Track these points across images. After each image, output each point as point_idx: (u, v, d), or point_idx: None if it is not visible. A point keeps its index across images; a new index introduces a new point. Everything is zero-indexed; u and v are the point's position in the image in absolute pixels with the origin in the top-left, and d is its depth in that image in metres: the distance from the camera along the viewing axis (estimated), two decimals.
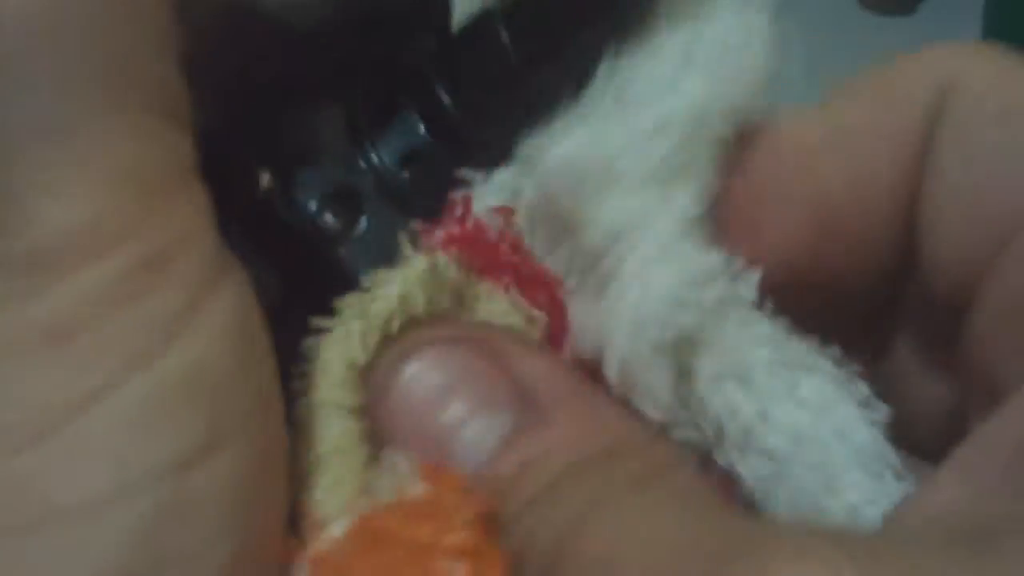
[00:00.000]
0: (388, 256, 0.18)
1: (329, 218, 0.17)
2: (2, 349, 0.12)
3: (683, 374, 0.16)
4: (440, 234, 0.17)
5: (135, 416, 0.12)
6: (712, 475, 0.16)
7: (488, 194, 0.17)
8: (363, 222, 0.18)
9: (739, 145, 0.15)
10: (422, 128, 0.18)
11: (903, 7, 0.63)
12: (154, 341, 0.12)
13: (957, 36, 0.52)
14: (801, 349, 0.16)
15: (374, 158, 0.18)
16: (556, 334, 0.17)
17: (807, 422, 0.16)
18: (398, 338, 0.15)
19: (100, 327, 0.12)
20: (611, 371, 0.15)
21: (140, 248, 0.12)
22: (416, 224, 0.18)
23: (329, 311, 0.17)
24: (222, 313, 0.13)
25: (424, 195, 0.18)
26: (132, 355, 0.12)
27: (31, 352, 0.12)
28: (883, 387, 0.15)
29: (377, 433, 0.15)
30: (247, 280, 0.13)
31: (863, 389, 0.16)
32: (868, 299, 0.15)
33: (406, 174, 0.18)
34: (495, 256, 0.18)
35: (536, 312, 0.17)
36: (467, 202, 0.17)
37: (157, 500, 0.12)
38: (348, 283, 0.17)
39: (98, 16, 0.12)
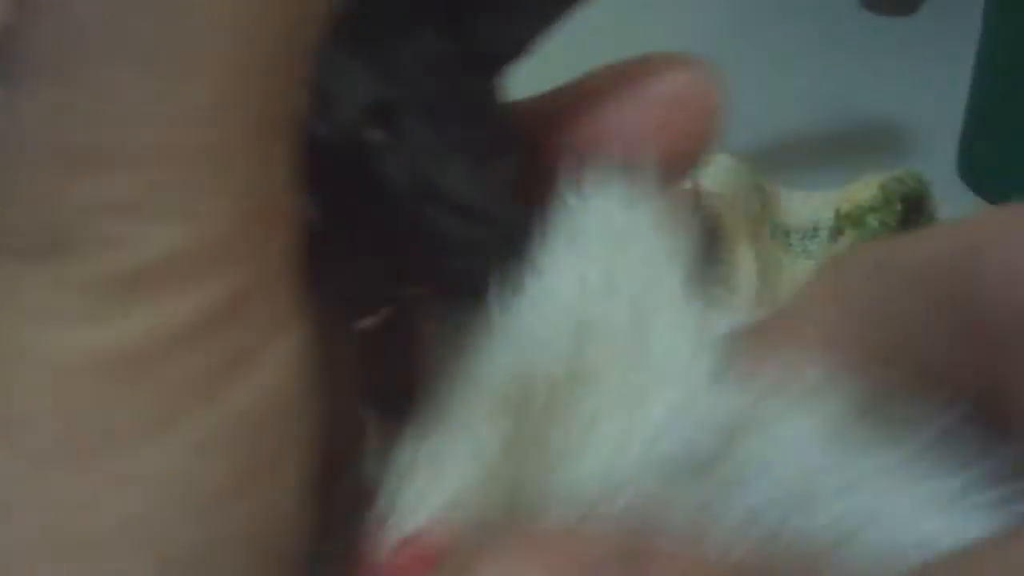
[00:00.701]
0: (431, 169, 0.17)
1: (372, 132, 0.17)
2: (75, 369, 0.12)
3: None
4: None
5: (194, 447, 0.12)
6: None
7: None
8: (405, 134, 0.17)
9: None
10: (439, 40, 0.18)
11: (904, 7, 0.63)
12: (220, 376, 0.12)
13: (958, 37, 0.52)
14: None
15: (402, 70, 0.17)
16: None
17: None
18: None
19: (173, 356, 0.12)
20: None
21: (229, 282, 0.12)
22: None
23: (373, 229, 0.17)
24: (285, 357, 0.13)
25: (454, 105, 0.18)
26: (199, 388, 0.12)
27: (102, 374, 0.12)
28: None
29: None
30: (311, 333, 0.13)
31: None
32: None
33: (434, 85, 0.18)
34: None
35: None
36: None
37: (197, 534, 0.12)
38: (393, 198, 0.17)
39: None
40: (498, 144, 0.18)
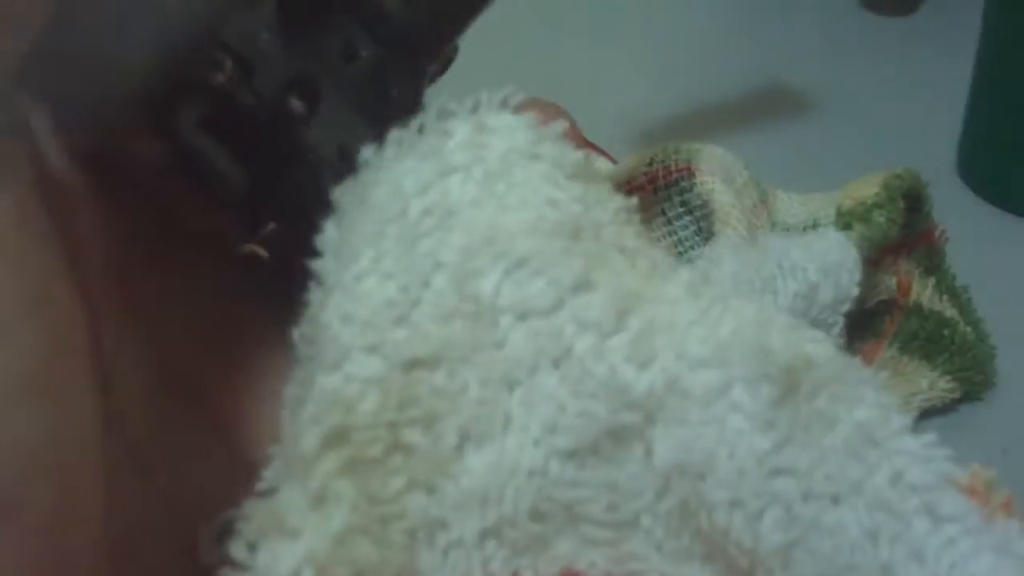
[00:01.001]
0: (352, 136, 0.18)
1: (293, 102, 0.18)
2: None
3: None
4: None
5: None
6: None
7: None
8: (324, 106, 0.18)
9: None
10: (354, 25, 0.19)
11: (903, 7, 0.63)
12: None
13: (957, 37, 0.52)
14: None
15: (322, 50, 0.19)
16: None
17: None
18: None
19: None
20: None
21: None
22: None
23: (296, 197, 0.18)
24: None
25: (375, 87, 0.19)
26: None
27: None
28: None
29: None
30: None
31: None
32: None
33: (352, 68, 0.19)
34: None
35: None
36: None
37: None
38: (314, 166, 0.18)
39: None
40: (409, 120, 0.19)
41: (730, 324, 0.16)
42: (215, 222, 0.19)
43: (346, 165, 0.18)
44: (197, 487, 0.18)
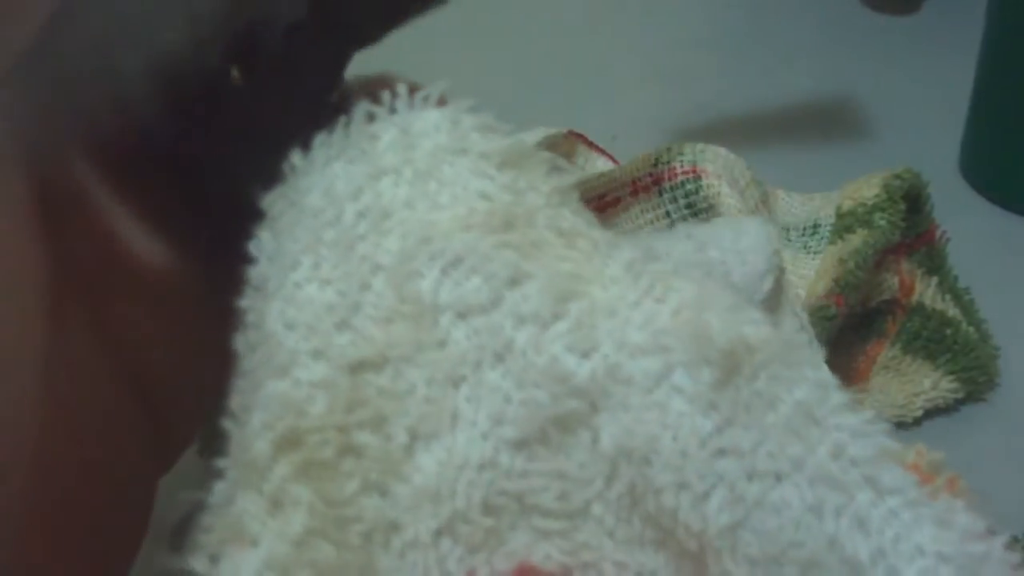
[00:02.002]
0: (274, 113, 0.19)
1: (231, 68, 0.19)
2: None
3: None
4: None
5: None
6: None
7: None
8: (257, 79, 0.19)
9: None
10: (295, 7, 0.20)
11: (906, 6, 0.63)
12: None
13: (959, 37, 0.52)
14: None
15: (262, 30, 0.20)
16: None
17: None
18: None
19: None
20: None
21: None
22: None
23: (237, 157, 0.19)
24: None
25: (305, 64, 0.20)
26: None
27: None
28: None
29: None
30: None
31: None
32: None
33: (288, 45, 0.20)
34: None
35: None
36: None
37: None
38: (250, 133, 0.19)
39: None
40: (337, 104, 0.19)
41: (670, 307, 0.16)
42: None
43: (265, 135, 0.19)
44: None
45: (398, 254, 0.17)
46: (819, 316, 0.34)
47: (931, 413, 0.38)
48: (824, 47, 0.63)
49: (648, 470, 0.16)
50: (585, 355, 0.16)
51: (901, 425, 0.38)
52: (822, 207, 0.39)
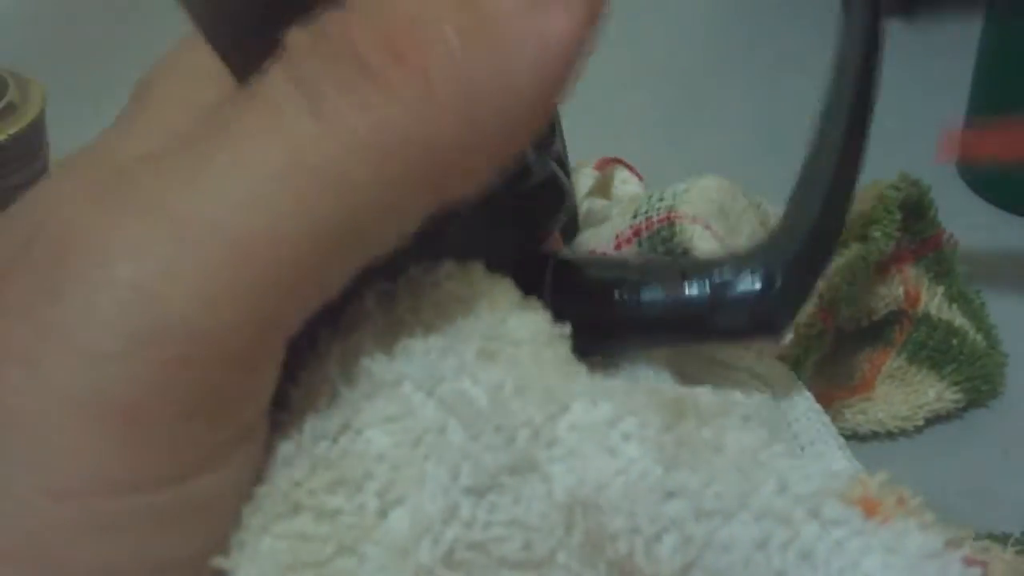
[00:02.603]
0: None
1: None
2: None
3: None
4: None
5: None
6: None
7: None
8: None
9: None
10: None
11: (904, 7, 0.63)
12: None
13: (957, 38, 0.52)
14: None
15: None
16: None
17: None
18: None
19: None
20: None
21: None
22: None
23: None
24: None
25: None
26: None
27: None
28: None
29: None
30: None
31: None
32: None
33: None
34: None
35: None
36: None
37: None
38: None
39: None
40: None
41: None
42: None
43: None
44: None
45: None
46: (805, 335, 0.34)
47: (931, 420, 0.38)
48: (823, 48, 0.63)
49: (601, 516, 0.16)
50: (535, 404, 0.17)
51: (903, 433, 0.38)
52: None
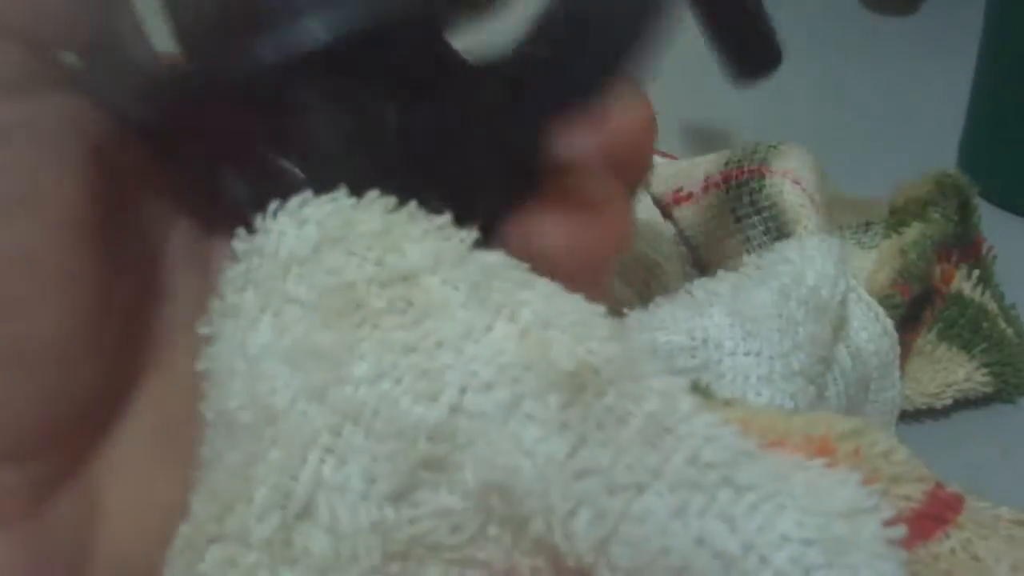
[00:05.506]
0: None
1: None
2: None
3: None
4: None
5: None
6: None
7: None
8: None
9: None
10: None
11: (905, 6, 0.63)
12: None
13: (959, 37, 0.52)
14: None
15: None
16: None
17: None
18: None
19: None
20: None
21: None
22: None
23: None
24: None
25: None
26: None
27: None
28: None
29: None
30: None
31: None
32: None
33: None
34: None
35: None
36: None
37: None
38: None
39: None
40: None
41: (519, 327, 0.16)
42: None
43: None
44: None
45: None
46: (886, 305, 0.34)
47: (929, 417, 0.38)
48: (823, 47, 0.63)
49: (514, 499, 0.16)
50: (433, 399, 0.16)
51: (930, 413, 0.38)
52: (875, 207, 0.40)
